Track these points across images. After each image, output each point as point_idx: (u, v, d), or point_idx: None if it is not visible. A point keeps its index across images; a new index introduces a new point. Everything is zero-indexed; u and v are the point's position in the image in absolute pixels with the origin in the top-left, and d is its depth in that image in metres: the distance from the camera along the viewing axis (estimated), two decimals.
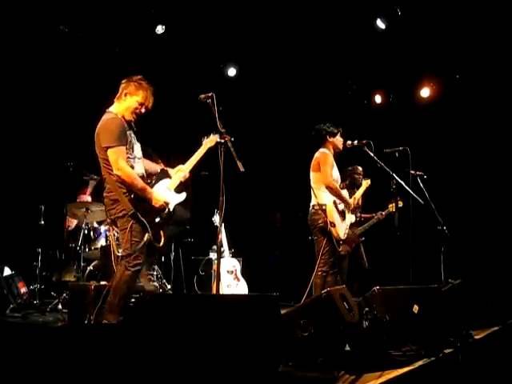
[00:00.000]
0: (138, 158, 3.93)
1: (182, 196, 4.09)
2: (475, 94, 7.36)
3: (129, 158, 3.83)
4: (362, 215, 6.34)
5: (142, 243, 3.70)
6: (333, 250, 4.85)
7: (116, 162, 3.68)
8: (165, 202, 3.85)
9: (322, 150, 5.09)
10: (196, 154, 4.18)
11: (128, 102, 3.88)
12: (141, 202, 3.76)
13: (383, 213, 6.21)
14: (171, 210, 3.96)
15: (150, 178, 4.00)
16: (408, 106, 7.91)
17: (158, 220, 3.84)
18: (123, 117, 3.87)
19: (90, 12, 6.46)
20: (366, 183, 5.67)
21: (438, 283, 4.68)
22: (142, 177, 3.85)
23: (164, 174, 4.03)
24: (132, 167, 3.81)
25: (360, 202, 5.94)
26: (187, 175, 4.15)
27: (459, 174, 7.40)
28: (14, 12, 6.01)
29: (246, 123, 7.81)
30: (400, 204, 5.66)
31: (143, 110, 3.90)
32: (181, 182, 4.11)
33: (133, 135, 3.91)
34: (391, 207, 5.74)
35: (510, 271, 6.21)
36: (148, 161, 4.12)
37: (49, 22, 6.37)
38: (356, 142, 5.11)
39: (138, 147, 3.95)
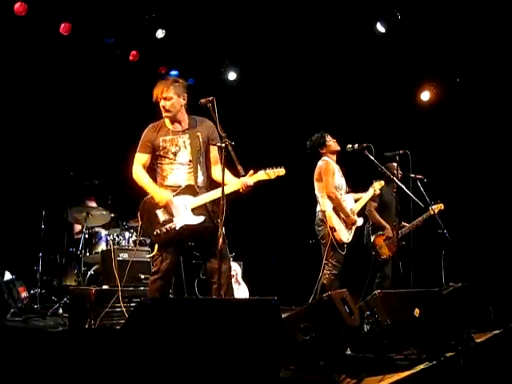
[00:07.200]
0: (183, 164, 3.83)
1: (198, 219, 3.75)
2: (475, 98, 7.36)
3: (162, 164, 3.84)
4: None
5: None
6: (338, 254, 4.94)
7: (133, 165, 3.88)
8: (167, 204, 3.70)
9: (322, 158, 5.21)
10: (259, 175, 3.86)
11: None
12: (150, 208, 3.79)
13: (423, 216, 5.81)
14: (177, 227, 3.73)
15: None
16: (408, 110, 7.91)
17: (157, 232, 3.73)
18: (173, 122, 3.89)
19: (90, 16, 6.49)
20: (372, 190, 5.54)
21: (439, 287, 4.69)
22: (187, 186, 3.76)
23: (190, 190, 3.78)
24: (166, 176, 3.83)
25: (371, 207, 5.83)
26: (247, 184, 3.69)
27: (460, 178, 7.39)
28: (14, 15, 6.03)
29: (246, 127, 7.81)
30: (442, 207, 5.63)
31: (161, 104, 3.83)
32: (206, 205, 3.77)
33: (182, 140, 3.84)
34: (431, 210, 5.60)
35: (511, 274, 6.20)
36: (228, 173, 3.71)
37: (49, 26, 6.38)
38: (356, 145, 5.12)
39: (186, 152, 3.83)
